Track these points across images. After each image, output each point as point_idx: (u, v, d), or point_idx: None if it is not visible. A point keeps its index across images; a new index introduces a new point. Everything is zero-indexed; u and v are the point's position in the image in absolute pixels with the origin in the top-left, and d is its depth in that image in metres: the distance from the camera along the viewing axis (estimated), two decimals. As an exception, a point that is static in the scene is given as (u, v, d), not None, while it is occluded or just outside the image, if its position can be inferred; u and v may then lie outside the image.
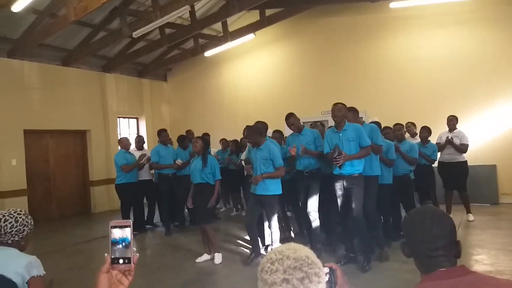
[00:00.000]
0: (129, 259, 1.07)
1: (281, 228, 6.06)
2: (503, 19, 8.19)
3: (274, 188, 4.95)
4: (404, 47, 9.20)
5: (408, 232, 1.42)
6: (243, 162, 6.94)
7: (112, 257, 1.07)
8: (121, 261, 1.07)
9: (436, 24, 8.82)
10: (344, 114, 4.65)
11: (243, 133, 7.12)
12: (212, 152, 8.73)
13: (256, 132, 5.03)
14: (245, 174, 6.90)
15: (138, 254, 1.10)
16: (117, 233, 1.07)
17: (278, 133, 6.33)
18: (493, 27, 8.32)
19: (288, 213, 6.60)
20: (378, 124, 5.66)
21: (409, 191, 6.04)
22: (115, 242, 1.07)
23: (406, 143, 6.04)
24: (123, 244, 1.07)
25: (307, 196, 5.28)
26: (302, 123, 5.58)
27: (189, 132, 8.56)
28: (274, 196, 4.98)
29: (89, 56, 9.79)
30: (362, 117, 9.07)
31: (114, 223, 1.08)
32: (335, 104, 4.69)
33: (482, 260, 4.87)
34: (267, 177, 4.85)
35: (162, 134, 7.40)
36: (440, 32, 8.80)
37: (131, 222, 1.08)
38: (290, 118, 5.37)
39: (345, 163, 4.57)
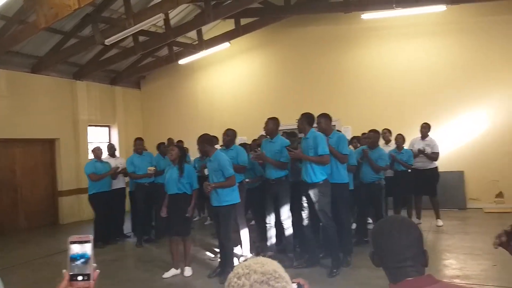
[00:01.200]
0: (88, 275, 1.04)
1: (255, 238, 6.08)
2: (472, 30, 8.53)
3: (228, 198, 4.86)
4: (376, 57, 9.43)
5: (376, 242, 1.44)
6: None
7: (71, 273, 1.04)
8: (80, 277, 1.04)
9: (407, 35, 9.10)
10: (302, 124, 4.94)
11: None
12: (191, 160, 8.63)
13: (204, 141, 4.95)
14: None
15: (98, 270, 1.07)
16: (76, 249, 1.04)
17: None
18: (461, 38, 8.66)
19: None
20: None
21: (378, 198, 6.14)
22: (74, 258, 1.04)
23: (376, 151, 6.13)
24: (83, 260, 1.04)
25: (276, 204, 5.32)
26: (282, 132, 5.66)
27: (169, 140, 8.47)
28: (229, 207, 4.88)
29: (59, 63, 9.55)
30: (335, 125, 9.28)
31: (74, 238, 1.05)
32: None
33: (451, 264, 5.00)
34: (216, 187, 4.80)
35: (136, 143, 7.30)
36: (410, 42, 9.09)
37: (91, 238, 1.05)
38: (270, 122, 5.40)
39: (307, 172, 4.79)
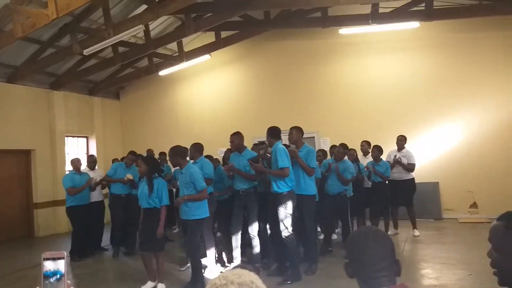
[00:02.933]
0: None
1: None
2: (444, 46, 8.83)
3: (197, 212, 4.79)
4: (352, 70, 9.63)
5: (351, 254, 1.47)
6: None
7: None
8: None
9: (383, 50, 9.34)
10: (268, 138, 5.10)
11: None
12: (172, 170, 8.53)
13: (175, 153, 4.91)
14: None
15: (72, 287, 1.08)
16: (49, 266, 1.04)
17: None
18: (434, 54, 8.95)
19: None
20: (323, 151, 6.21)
21: (344, 210, 6.26)
22: (47, 276, 1.04)
23: (342, 164, 6.28)
24: (56, 277, 1.04)
25: (246, 215, 5.37)
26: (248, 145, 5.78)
27: (149, 151, 8.38)
28: (198, 221, 4.80)
29: (36, 73, 9.40)
30: (314, 136, 9.44)
31: (47, 255, 1.05)
32: None
33: (427, 274, 5.09)
34: (188, 200, 4.74)
35: (128, 156, 7.26)
36: (386, 57, 9.33)
37: (65, 254, 1.06)
38: (234, 136, 5.47)
39: (272, 184, 4.91)
